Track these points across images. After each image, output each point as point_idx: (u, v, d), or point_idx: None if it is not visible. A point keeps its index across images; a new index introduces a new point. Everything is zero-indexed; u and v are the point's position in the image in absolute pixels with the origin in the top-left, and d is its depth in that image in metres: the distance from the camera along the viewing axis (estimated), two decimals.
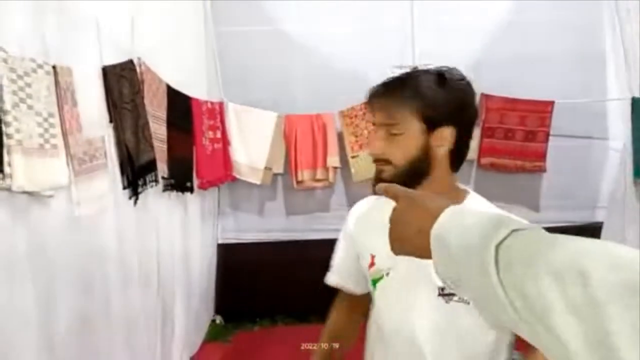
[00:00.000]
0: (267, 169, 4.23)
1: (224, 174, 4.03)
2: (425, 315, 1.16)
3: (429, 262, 0.81)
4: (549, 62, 4.07)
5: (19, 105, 1.89)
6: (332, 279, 1.44)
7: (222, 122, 4.06)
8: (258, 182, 4.24)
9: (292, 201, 4.53)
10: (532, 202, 4.33)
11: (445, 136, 1.19)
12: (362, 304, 1.39)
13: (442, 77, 1.20)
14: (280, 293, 4.33)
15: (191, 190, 3.43)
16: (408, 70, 4.60)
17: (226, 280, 4.41)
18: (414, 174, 1.21)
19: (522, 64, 4.10)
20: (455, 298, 1.12)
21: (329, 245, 4.64)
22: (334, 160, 4.27)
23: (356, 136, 4.29)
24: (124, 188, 2.66)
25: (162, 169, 3.06)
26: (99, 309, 2.42)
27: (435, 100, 1.18)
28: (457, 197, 1.24)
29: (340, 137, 4.31)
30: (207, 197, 4.11)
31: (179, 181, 3.28)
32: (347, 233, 1.41)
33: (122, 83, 2.65)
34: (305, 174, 4.28)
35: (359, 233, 1.35)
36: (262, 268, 4.36)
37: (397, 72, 4.56)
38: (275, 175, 4.38)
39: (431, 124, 1.18)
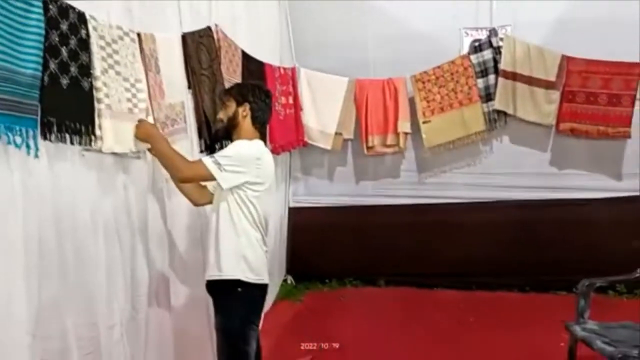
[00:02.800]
0: (338, 134, 4.27)
1: (295, 139, 4.11)
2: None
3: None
4: (632, 25, 3.80)
5: (108, 71, 2.02)
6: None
7: (295, 87, 4.12)
8: (328, 148, 4.29)
9: (362, 167, 4.56)
10: (614, 170, 4.11)
11: (245, 109, 2.31)
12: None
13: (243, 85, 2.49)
14: (348, 256, 4.41)
15: None
16: (484, 32, 4.40)
17: (297, 243, 4.54)
18: (229, 127, 2.33)
19: (606, 25, 3.84)
20: None
21: (398, 210, 4.67)
22: (405, 125, 4.24)
23: (428, 101, 4.22)
24: (201, 151, 2.78)
25: None
26: (179, 263, 2.58)
27: (240, 92, 2.34)
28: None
29: (411, 102, 4.26)
30: (279, 162, 4.20)
31: None
32: None
33: (200, 50, 2.75)
34: (375, 140, 4.28)
35: None
36: (332, 232, 4.45)
37: (471, 35, 4.42)
38: (346, 140, 4.41)
39: (238, 102, 2.31)
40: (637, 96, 3.82)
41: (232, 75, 3.10)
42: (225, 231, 2.18)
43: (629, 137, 3.91)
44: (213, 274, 2.20)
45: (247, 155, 2.20)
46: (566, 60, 3.93)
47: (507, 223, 4.25)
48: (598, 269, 2.90)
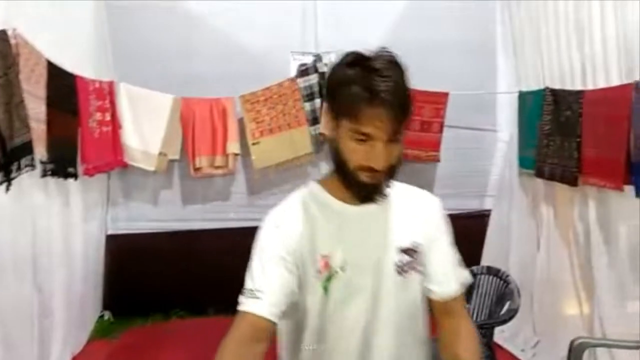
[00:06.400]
0: (162, 154, 3.99)
1: (113, 159, 3.76)
2: (388, 295, 1.22)
3: (382, 243, 1.21)
4: (444, 53, 4.19)
5: None
6: (270, 310, 1.17)
7: (113, 103, 3.78)
8: (152, 169, 4.00)
9: (189, 189, 4.34)
10: (427, 191, 4.44)
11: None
12: (269, 333, 1.18)
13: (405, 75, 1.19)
14: (175, 286, 4.13)
15: (75, 176, 3.15)
16: (310, 57, 4.49)
17: (116, 274, 4.15)
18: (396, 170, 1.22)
19: (419, 53, 4.17)
20: (411, 270, 1.24)
21: (228, 234, 4.50)
22: (234, 146, 4.13)
23: (257, 122, 4.17)
24: None
25: (41, 152, 2.78)
26: None
27: (412, 101, 1.18)
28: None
29: (240, 122, 4.17)
30: (95, 185, 3.83)
31: (60, 166, 3.01)
32: (281, 252, 1.21)
33: None
34: (203, 161, 4.10)
35: (301, 243, 1.22)
36: (156, 260, 4.14)
37: (298, 59, 4.48)
38: (172, 161, 4.16)
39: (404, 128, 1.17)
40: (445, 123, 4.18)
41: (33, 86, 2.72)
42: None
43: (439, 160, 4.27)
44: None
45: None
46: None
47: None
48: None
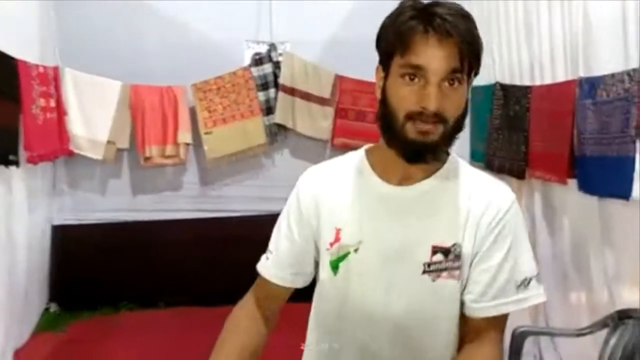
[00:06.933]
0: (110, 143, 3.87)
1: (58, 147, 3.62)
2: (405, 294, 1.06)
3: (413, 235, 1.05)
4: None
5: None
6: (272, 272, 1.19)
7: (58, 89, 3.64)
8: (100, 158, 3.87)
9: (139, 179, 4.22)
10: None
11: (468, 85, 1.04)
12: (273, 295, 1.23)
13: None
14: (124, 278, 4.03)
15: (16, 164, 3.02)
16: (265, 46, 4.48)
17: (63, 265, 4.01)
18: (455, 133, 1.04)
19: (372, 47, 4.18)
20: (445, 274, 1.04)
21: (179, 225, 4.43)
22: (185, 136, 4.05)
23: (210, 111, 4.10)
24: None
25: None
26: None
27: (479, 43, 1.02)
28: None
29: (192, 112, 4.09)
30: (39, 174, 3.68)
31: (0, 154, 2.87)
32: (298, 213, 1.17)
33: None
34: (153, 150, 4.00)
35: (319, 207, 1.14)
36: (105, 251, 4.03)
37: (252, 48, 4.43)
38: (121, 150, 4.04)
39: (472, 71, 1.04)
40: None
41: None
42: None
43: None
44: None
45: None
46: (338, 79, 4.18)
47: None
48: None
